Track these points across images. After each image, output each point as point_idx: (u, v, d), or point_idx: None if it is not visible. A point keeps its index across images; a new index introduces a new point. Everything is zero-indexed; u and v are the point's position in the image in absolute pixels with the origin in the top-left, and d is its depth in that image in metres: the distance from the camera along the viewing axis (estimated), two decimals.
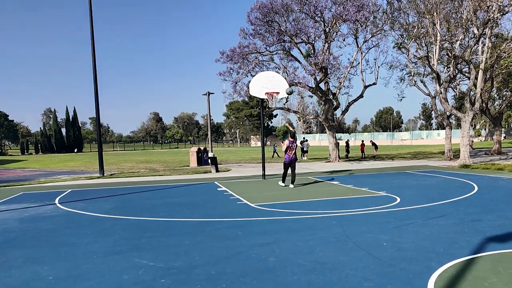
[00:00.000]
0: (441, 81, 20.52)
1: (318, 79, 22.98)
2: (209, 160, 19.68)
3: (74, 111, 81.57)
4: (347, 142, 29.66)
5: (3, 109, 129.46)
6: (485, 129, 74.39)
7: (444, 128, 25.68)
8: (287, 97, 19.49)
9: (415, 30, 20.73)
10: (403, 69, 26.19)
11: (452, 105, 28.46)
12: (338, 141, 25.03)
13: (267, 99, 14.10)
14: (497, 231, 5.68)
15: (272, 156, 32.95)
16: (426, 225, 6.21)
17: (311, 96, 26.97)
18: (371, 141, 31.59)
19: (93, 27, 17.85)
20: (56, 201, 9.93)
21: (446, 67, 24.01)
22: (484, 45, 18.55)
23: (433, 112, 31.38)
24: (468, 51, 19.82)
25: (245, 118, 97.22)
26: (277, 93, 13.85)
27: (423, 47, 22.23)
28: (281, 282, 3.90)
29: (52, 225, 7.01)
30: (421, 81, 24.35)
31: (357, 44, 23.11)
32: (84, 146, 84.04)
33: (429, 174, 14.66)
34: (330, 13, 21.22)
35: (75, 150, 72.24)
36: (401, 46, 23.25)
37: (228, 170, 19.27)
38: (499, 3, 17.08)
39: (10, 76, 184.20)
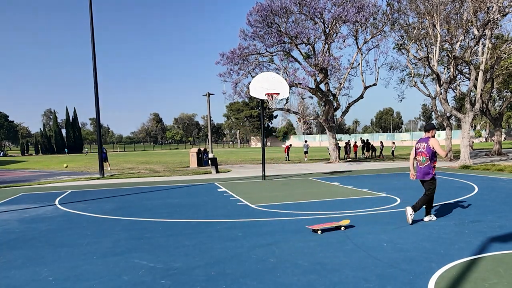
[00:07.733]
0: (441, 82, 20.51)
1: (318, 80, 22.99)
2: (209, 161, 19.68)
3: (74, 112, 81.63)
4: (347, 143, 29.63)
5: (3, 110, 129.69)
6: (485, 130, 74.42)
7: (444, 129, 25.69)
8: (287, 97, 19.51)
9: (415, 31, 20.73)
10: (403, 70, 26.24)
11: (452, 106, 28.46)
12: (338, 142, 25.00)
13: (267, 100, 14.12)
14: (498, 232, 5.67)
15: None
16: (427, 226, 6.20)
17: (311, 97, 27.00)
18: (366, 141, 31.34)
19: (93, 29, 17.86)
20: (56, 202, 9.93)
21: (446, 68, 24.01)
22: (484, 46, 18.54)
23: (433, 113, 31.36)
24: (468, 52, 19.83)
25: (245, 119, 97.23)
26: (277, 94, 13.88)
27: (423, 48, 22.22)
28: (281, 283, 3.90)
29: (52, 226, 7.01)
30: (421, 82, 24.36)
31: (357, 45, 23.13)
32: (84, 147, 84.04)
33: None
34: (330, 14, 21.24)
35: (66, 151, 69.74)
36: (401, 47, 23.25)
37: (228, 171, 19.25)
38: (499, 4, 17.07)
39: (11, 77, 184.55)
